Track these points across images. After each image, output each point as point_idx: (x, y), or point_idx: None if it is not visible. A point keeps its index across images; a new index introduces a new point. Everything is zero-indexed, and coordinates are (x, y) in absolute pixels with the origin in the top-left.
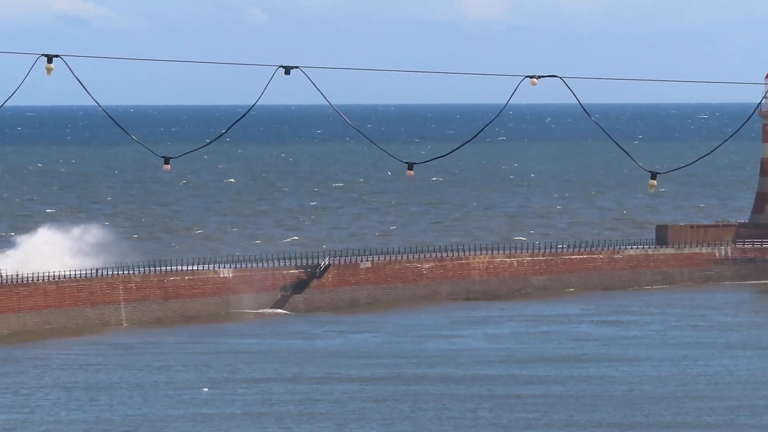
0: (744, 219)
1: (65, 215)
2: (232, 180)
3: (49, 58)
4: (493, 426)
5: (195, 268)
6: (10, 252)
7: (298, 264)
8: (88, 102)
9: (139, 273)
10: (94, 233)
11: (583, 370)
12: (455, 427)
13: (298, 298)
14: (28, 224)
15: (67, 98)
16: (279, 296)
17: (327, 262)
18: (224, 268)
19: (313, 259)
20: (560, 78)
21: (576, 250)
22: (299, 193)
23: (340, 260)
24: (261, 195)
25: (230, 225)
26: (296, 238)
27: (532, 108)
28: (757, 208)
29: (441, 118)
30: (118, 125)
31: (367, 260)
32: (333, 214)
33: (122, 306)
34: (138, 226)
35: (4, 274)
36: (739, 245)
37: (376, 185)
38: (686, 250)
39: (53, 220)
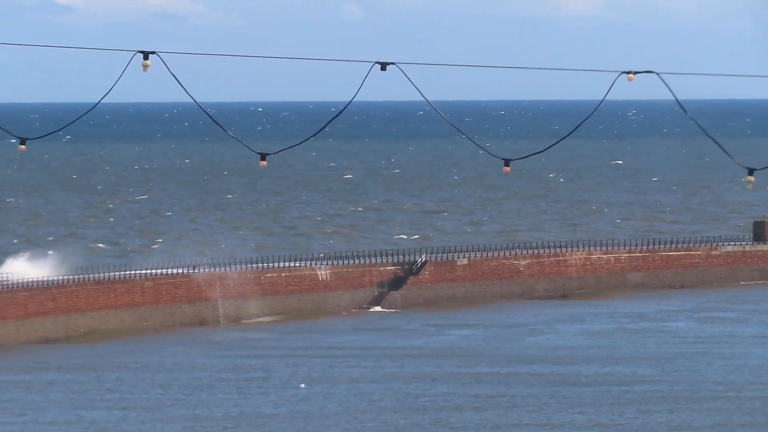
0: None
1: (198, 211)
2: (350, 176)
3: (146, 55)
4: (595, 426)
5: (292, 264)
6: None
7: (395, 261)
8: (184, 99)
9: (236, 269)
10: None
11: (682, 366)
12: (551, 427)
13: (395, 295)
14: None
15: (162, 95)
16: (376, 293)
17: (424, 259)
18: (321, 264)
19: (409, 255)
20: (657, 74)
21: (673, 246)
22: (408, 189)
23: (436, 257)
24: (376, 190)
25: (329, 220)
26: (404, 236)
27: (617, 105)
28: None
29: (538, 114)
30: (215, 121)
31: (463, 257)
32: (428, 211)
33: (219, 302)
34: (249, 221)
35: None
36: None
37: (479, 181)
38: None
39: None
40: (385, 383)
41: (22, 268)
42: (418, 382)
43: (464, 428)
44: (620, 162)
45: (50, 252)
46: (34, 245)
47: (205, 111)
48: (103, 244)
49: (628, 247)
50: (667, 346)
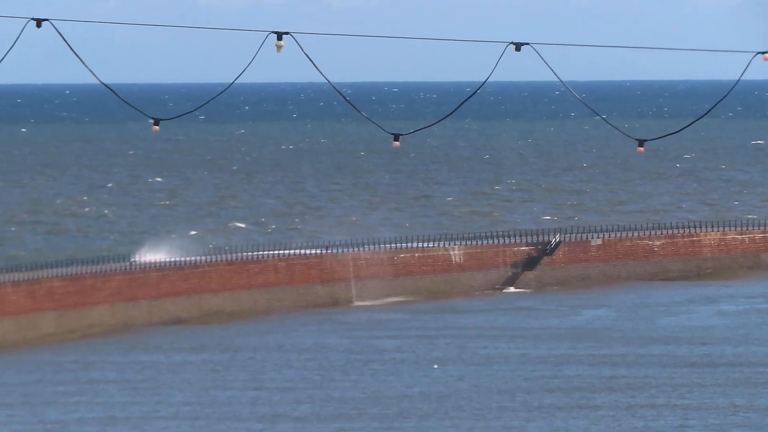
0: None
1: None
2: (487, 156)
3: (279, 36)
4: (730, 407)
5: (425, 245)
6: None
7: (529, 241)
8: (320, 79)
9: (369, 249)
10: None
11: None
12: (685, 408)
13: (528, 276)
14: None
15: (298, 75)
16: (509, 273)
17: (558, 239)
18: (454, 245)
19: (543, 235)
20: None
21: None
22: (546, 169)
23: (570, 237)
24: (513, 169)
25: (465, 199)
26: (542, 216)
27: (755, 84)
28: None
29: (676, 94)
30: (348, 102)
31: (597, 237)
32: (563, 190)
33: (352, 283)
34: (387, 200)
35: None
36: None
37: (613, 160)
38: None
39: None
40: (518, 364)
41: (160, 250)
42: (551, 362)
43: (598, 408)
44: (761, 142)
45: (193, 232)
46: (173, 225)
47: (338, 91)
48: (242, 223)
49: (762, 227)
50: None
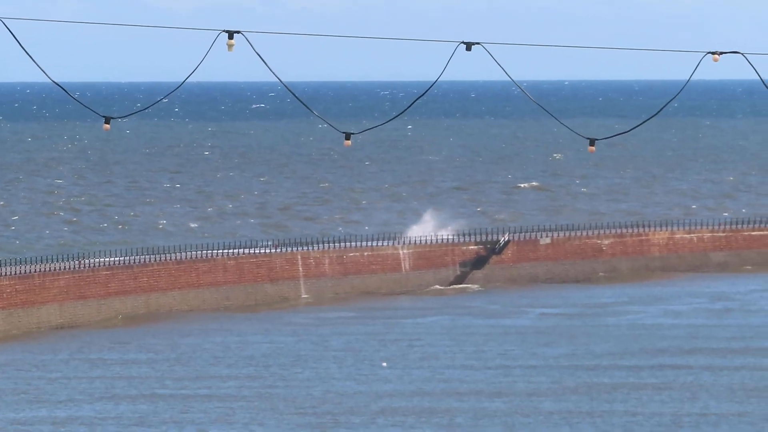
0: None
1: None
2: (436, 157)
3: (230, 34)
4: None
5: (374, 244)
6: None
7: (478, 240)
8: (274, 78)
9: (318, 249)
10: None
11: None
12: (633, 414)
13: (477, 274)
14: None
15: (256, 75)
16: (458, 272)
17: (507, 238)
18: (403, 244)
19: (492, 234)
20: (742, 54)
21: (756, 226)
22: (488, 169)
23: (519, 236)
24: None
25: (413, 199)
26: (487, 215)
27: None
28: None
29: (630, 94)
30: (300, 100)
31: (546, 236)
32: (517, 190)
33: (301, 282)
34: (324, 200)
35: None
36: None
37: (564, 160)
38: None
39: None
40: (465, 363)
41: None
42: (499, 362)
43: (550, 414)
44: (710, 140)
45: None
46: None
47: (289, 89)
48: (194, 223)
49: (711, 227)
50: (747, 327)
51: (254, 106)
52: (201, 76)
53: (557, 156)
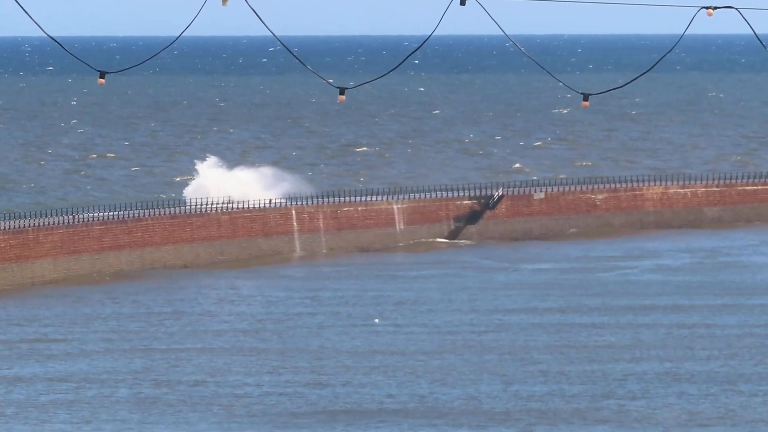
0: None
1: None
2: (437, 111)
3: None
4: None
5: (368, 199)
6: None
7: (471, 195)
8: (277, 33)
9: (312, 203)
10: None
11: (757, 301)
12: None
13: (471, 230)
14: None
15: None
16: (452, 227)
17: (500, 193)
18: (396, 199)
19: (486, 189)
20: (737, 9)
21: (750, 180)
22: (487, 123)
23: (513, 191)
24: (457, 123)
25: (411, 152)
26: (480, 170)
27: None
28: None
29: (619, 49)
30: (294, 55)
31: (540, 191)
32: (512, 142)
33: (295, 236)
34: (316, 155)
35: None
36: None
37: (557, 115)
38: None
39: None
40: (459, 317)
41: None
42: (493, 314)
43: (534, 362)
44: (713, 94)
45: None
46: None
47: (283, 44)
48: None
49: (704, 182)
50: (744, 279)
51: (263, 60)
52: (195, 30)
53: (563, 111)
